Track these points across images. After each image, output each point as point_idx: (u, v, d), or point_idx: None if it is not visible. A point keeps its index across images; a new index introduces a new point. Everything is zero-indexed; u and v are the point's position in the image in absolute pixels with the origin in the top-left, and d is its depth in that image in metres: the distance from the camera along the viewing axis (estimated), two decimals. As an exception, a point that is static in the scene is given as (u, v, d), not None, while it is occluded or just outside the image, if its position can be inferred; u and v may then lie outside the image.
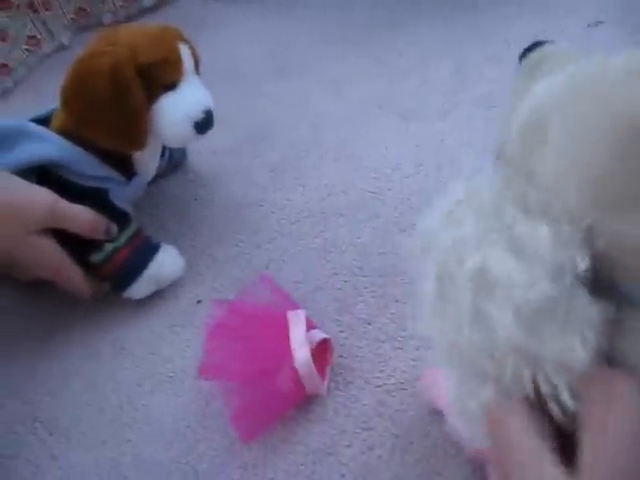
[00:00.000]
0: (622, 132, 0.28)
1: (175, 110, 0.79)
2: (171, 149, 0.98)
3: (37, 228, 0.73)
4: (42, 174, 0.77)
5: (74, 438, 0.74)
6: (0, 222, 0.70)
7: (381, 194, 0.94)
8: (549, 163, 0.31)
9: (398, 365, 0.73)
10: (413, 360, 0.73)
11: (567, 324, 0.27)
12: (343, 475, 0.66)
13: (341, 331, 0.78)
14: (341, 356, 0.75)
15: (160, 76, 0.77)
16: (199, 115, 0.80)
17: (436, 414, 0.67)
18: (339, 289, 0.83)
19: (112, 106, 0.75)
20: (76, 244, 0.77)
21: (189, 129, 0.80)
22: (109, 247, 0.79)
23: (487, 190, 0.33)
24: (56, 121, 0.80)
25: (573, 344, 0.27)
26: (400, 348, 0.74)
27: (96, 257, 0.79)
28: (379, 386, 0.72)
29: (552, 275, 0.28)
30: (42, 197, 0.73)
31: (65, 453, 0.73)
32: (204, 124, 0.81)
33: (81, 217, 0.76)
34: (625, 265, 0.28)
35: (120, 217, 0.81)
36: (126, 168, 0.83)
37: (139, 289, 0.83)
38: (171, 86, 0.79)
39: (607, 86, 0.30)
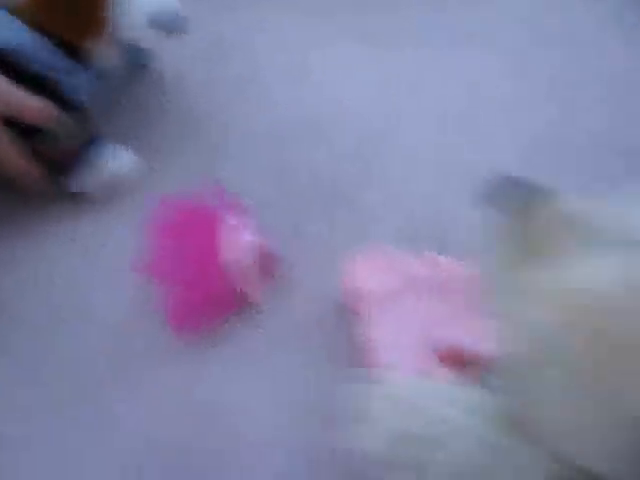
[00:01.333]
0: None
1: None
2: (136, 51, 0.96)
3: None
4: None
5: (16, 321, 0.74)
6: None
7: (341, 120, 0.94)
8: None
9: (339, 283, 0.74)
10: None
11: None
12: (274, 381, 0.68)
13: (288, 247, 0.78)
14: (285, 270, 0.76)
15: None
16: (155, 10, 0.79)
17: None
18: (291, 208, 0.83)
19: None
20: (24, 131, 0.76)
21: (143, 22, 0.79)
22: (57, 136, 0.78)
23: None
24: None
25: None
26: (343, 266, 0.75)
27: (44, 144, 0.78)
28: (318, 301, 0.74)
29: None
30: None
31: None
32: (163, 23, 0.79)
33: (30, 103, 0.74)
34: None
35: (71, 108, 0.80)
36: (81, 59, 0.81)
37: (88, 181, 0.82)
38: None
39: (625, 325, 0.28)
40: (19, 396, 0.69)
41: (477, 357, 0.57)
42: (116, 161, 0.84)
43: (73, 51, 0.79)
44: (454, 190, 0.83)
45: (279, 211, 0.83)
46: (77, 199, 0.84)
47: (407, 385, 0.34)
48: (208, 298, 0.69)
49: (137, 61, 1.01)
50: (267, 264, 0.74)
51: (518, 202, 0.35)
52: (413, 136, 0.92)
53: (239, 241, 0.69)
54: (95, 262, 0.79)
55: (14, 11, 0.76)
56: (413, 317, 0.66)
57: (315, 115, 0.96)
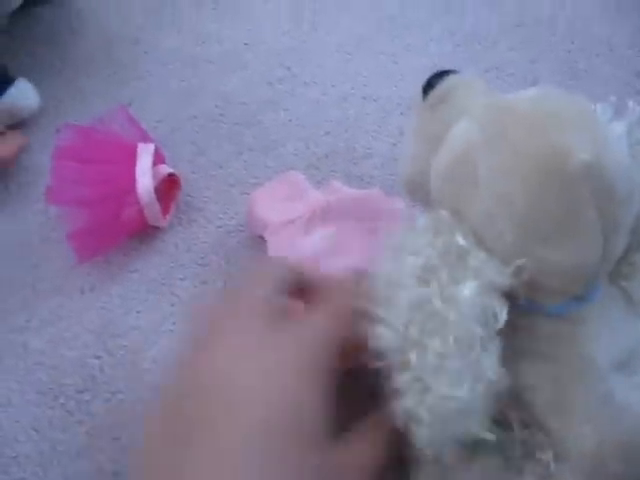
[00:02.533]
0: (538, 176, 0.30)
1: None
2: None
3: None
4: None
5: None
6: None
7: (254, 46, 0.94)
8: (480, 203, 0.32)
9: (241, 209, 0.75)
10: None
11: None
12: (173, 304, 0.70)
13: (193, 172, 0.79)
14: (189, 195, 0.77)
15: None
16: None
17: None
18: (197, 132, 0.83)
19: None
20: None
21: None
22: None
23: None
24: None
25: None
26: (246, 193, 0.76)
27: None
28: (220, 227, 0.75)
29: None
30: None
31: None
32: None
33: None
34: (547, 287, 0.31)
35: None
36: None
37: None
38: None
39: (522, 132, 0.31)
40: None
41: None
42: (20, 93, 0.83)
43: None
44: (368, 122, 0.84)
45: (185, 135, 0.83)
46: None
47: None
48: (109, 221, 0.69)
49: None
50: (170, 189, 0.75)
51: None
52: (324, 68, 0.91)
53: (142, 165, 0.70)
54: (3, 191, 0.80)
55: None
56: (306, 245, 0.68)
57: (230, 42, 0.95)
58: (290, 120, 0.84)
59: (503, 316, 0.29)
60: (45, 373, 0.66)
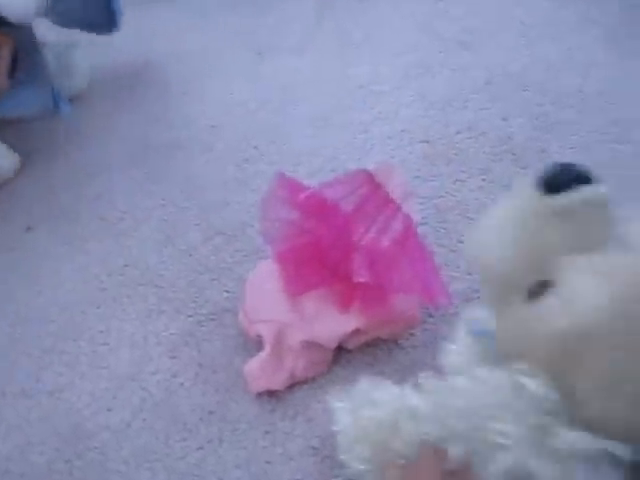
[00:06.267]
0: None
1: None
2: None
3: None
4: None
5: None
6: None
7: (221, 128, 0.94)
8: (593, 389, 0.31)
9: (212, 296, 0.74)
10: (227, 292, 0.74)
11: None
12: (144, 399, 0.68)
13: (162, 261, 0.78)
14: (157, 286, 0.76)
15: None
16: None
17: (243, 347, 0.69)
18: (164, 220, 0.83)
19: None
20: None
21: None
22: None
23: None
24: None
25: None
26: (216, 279, 0.76)
27: None
28: (190, 316, 0.73)
29: None
30: None
31: None
32: None
33: None
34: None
35: None
36: None
37: None
38: None
39: None
40: None
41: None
42: None
43: None
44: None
45: (153, 224, 0.83)
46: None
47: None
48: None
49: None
50: None
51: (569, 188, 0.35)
52: (293, 145, 0.92)
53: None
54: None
55: None
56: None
57: (197, 126, 0.96)
58: (258, 201, 0.84)
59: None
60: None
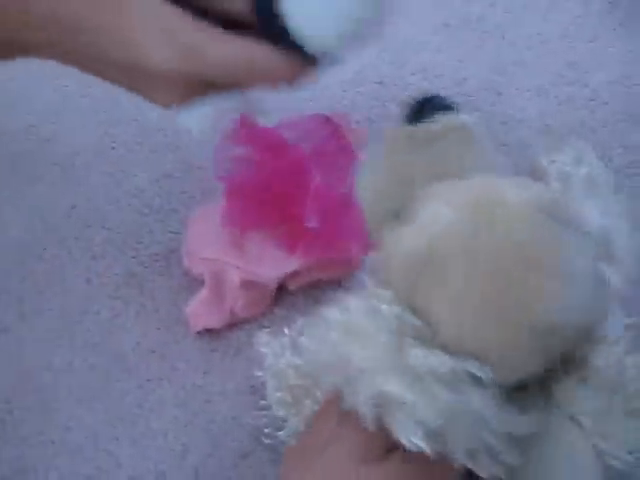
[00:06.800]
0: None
1: None
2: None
3: None
4: None
5: None
6: None
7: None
8: (448, 309, 0.31)
9: (157, 237, 0.73)
10: (172, 233, 0.73)
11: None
12: (86, 340, 0.68)
13: (109, 203, 0.77)
14: (103, 227, 0.75)
15: None
16: None
17: (186, 287, 0.69)
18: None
19: None
20: None
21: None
22: None
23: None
24: None
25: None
26: (162, 221, 0.75)
27: None
28: (134, 257, 0.72)
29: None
30: None
31: None
32: None
33: None
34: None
35: None
36: None
37: None
38: None
39: (514, 234, 0.30)
40: None
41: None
42: None
43: None
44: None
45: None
46: None
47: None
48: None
49: None
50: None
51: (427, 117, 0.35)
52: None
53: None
54: None
55: None
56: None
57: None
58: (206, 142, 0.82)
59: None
60: None
